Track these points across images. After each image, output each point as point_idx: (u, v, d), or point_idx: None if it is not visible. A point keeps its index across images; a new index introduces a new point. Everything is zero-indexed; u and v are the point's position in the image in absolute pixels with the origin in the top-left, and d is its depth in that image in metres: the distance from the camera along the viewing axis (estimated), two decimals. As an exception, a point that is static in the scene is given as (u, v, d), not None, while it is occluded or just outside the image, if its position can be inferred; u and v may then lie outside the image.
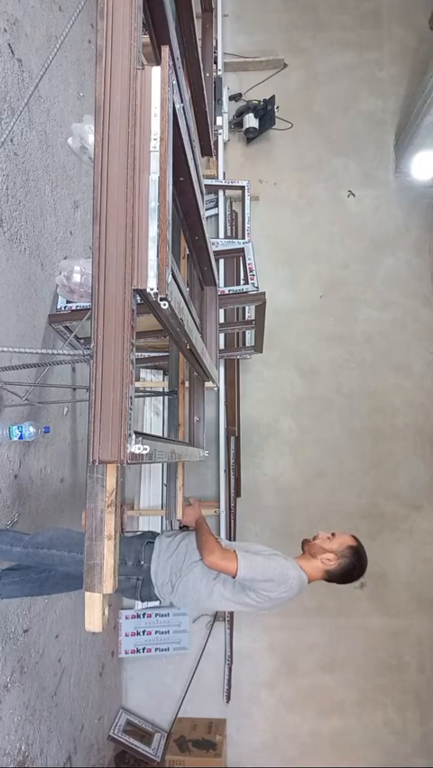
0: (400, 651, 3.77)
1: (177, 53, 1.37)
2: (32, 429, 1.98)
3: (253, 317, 2.90)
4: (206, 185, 3.61)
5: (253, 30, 4.54)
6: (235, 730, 3.74)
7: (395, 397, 4.07)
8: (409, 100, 4.27)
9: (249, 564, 1.76)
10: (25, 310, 2.31)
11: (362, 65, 4.46)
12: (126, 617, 3.71)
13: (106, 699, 3.49)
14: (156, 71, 0.91)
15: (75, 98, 2.89)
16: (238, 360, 3.89)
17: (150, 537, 1.99)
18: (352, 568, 1.93)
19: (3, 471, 2.11)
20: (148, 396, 3.61)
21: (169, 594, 1.87)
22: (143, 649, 3.71)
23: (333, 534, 1.98)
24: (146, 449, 0.90)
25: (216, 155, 4.01)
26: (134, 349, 0.90)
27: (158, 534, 2.04)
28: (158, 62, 0.93)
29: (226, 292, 2.76)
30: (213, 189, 4.03)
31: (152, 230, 0.88)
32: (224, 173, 4.17)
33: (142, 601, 2.42)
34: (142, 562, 1.87)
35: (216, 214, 4.08)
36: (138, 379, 3.64)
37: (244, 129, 4.29)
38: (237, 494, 3.83)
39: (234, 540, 3.76)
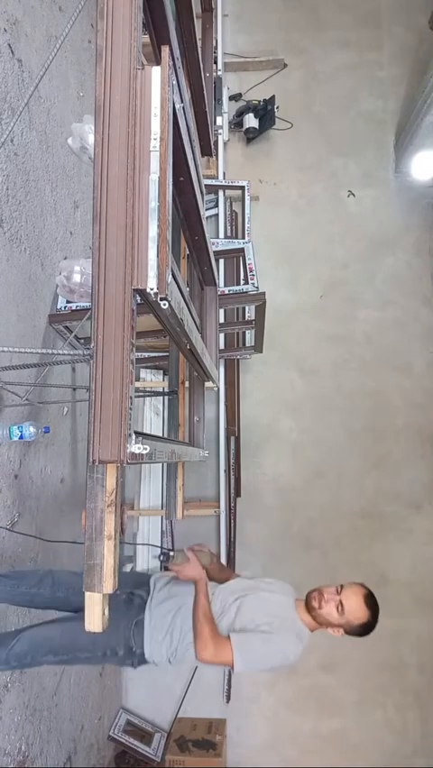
0: (401, 651, 3.77)
1: (177, 53, 1.37)
2: (32, 429, 1.98)
3: (253, 317, 2.90)
4: (206, 185, 3.61)
5: (253, 30, 4.54)
6: (235, 730, 3.74)
7: (395, 397, 4.07)
8: (409, 100, 4.27)
9: (246, 659, 1.64)
10: (25, 310, 2.31)
11: (362, 65, 4.46)
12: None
13: (106, 698, 3.49)
14: (156, 71, 0.91)
15: (75, 98, 2.89)
16: (238, 360, 3.89)
17: (137, 611, 1.78)
18: (360, 635, 1.80)
19: (3, 471, 2.11)
20: (148, 396, 3.61)
21: (170, 665, 1.79)
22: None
23: (340, 588, 1.78)
24: (146, 449, 0.90)
25: (216, 155, 4.01)
26: (134, 349, 0.90)
27: (145, 598, 1.83)
28: (158, 62, 0.93)
29: (226, 292, 2.76)
30: (213, 189, 4.03)
31: (152, 230, 0.88)
32: (224, 173, 4.17)
33: None
34: (134, 649, 1.74)
35: (216, 214, 4.08)
36: (138, 379, 3.64)
37: (244, 129, 4.29)
38: (237, 494, 3.83)
39: (234, 539, 3.76)
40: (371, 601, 1.77)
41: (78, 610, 1.72)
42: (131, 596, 1.86)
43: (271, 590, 1.86)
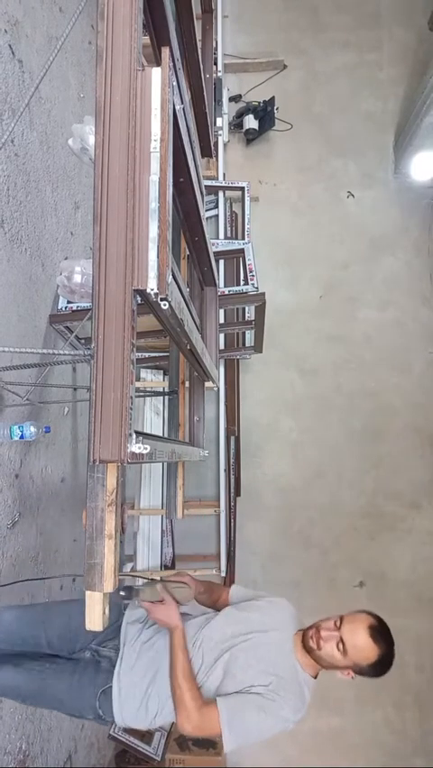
0: (400, 650, 3.73)
1: (177, 54, 1.37)
2: (32, 429, 1.99)
3: (253, 317, 2.90)
4: (206, 186, 3.61)
5: (252, 31, 4.54)
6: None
7: (395, 397, 4.07)
8: (408, 101, 4.28)
9: (238, 733, 1.34)
10: (26, 310, 2.32)
11: (361, 66, 4.46)
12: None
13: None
14: (156, 72, 0.91)
15: (75, 99, 2.89)
16: (238, 360, 3.90)
17: (104, 677, 1.51)
18: (376, 675, 1.46)
19: (4, 471, 2.12)
20: (148, 396, 3.61)
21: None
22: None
23: (340, 621, 1.44)
24: (146, 448, 0.90)
25: (216, 156, 4.01)
26: (135, 349, 0.90)
27: (114, 659, 1.54)
28: (158, 63, 0.93)
29: (226, 292, 2.77)
30: (213, 190, 4.04)
31: (153, 231, 0.88)
32: (224, 174, 4.18)
33: None
34: (104, 717, 1.50)
35: (216, 215, 4.09)
36: (138, 379, 3.65)
37: (243, 130, 4.30)
38: (237, 494, 3.83)
39: (234, 538, 3.76)
40: (379, 634, 1.42)
41: (70, 654, 1.61)
42: (96, 656, 1.61)
43: (264, 628, 1.51)
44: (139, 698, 1.47)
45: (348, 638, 1.41)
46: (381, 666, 1.43)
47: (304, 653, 1.47)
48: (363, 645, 1.40)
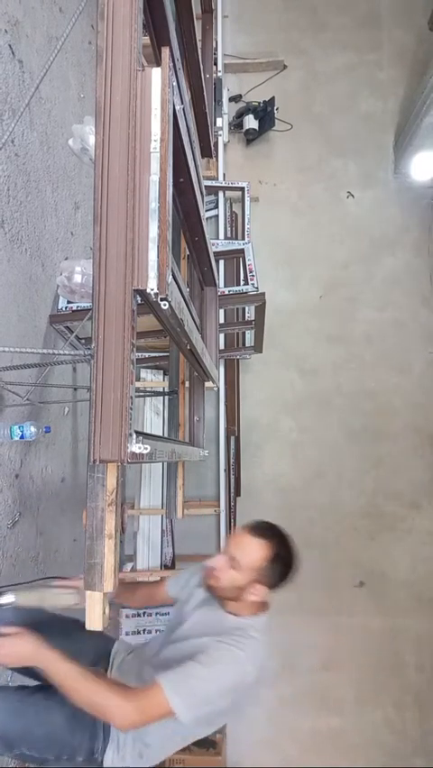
0: (400, 650, 3.77)
1: (177, 54, 1.37)
2: (32, 429, 1.99)
3: (253, 317, 2.90)
4: (206, 186, 3.62)
5: (252, 31, 4.55)
6: (235, 729, 3.74)
7: (395, 397, 4.07)
8: (408, 101, 4.28)
9: (188, 698, 1.19)
10: (26, 310, 2.32)
11: (361, 66, 4.46)
12: (127, 616, 3.71)
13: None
14: (156, 73, 0.92)
15: (76, 99, 2.89)
16: (238, 360, 3.90)
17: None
18: (284, 574, 1.40)
19: (4, 471, 2.12)
20: (148, 396, 3.61)
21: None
22: (144, 649, 3.71)
23: (231, 558, 1.37)
24: (146, 448, 0.90)
25: (216, 156, 4.01)
26: (135, 349, 0.91)
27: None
28: (158, 63, 0.93)
29: (226, 292, 2.77)
30: (213, 190, 4.04)
31: (153, 231, 0.88)
32: (224, 174, 4.18)
33: None
34: (96, 755, 1.35)
35: (216, 215, 4.09)
36: (138, 378, 3.65)
37: (243, 130, 4.30)
38: (237, 494, 3.83)
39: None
40: (262, 529, 1.41)
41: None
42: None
43: (191, 614, 1.46)
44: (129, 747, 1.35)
45: (234, 550, 1.37)
46: (282, 563, 1.37)
47: (224, 602, 1.42)
48: (250, 546, 1.36)
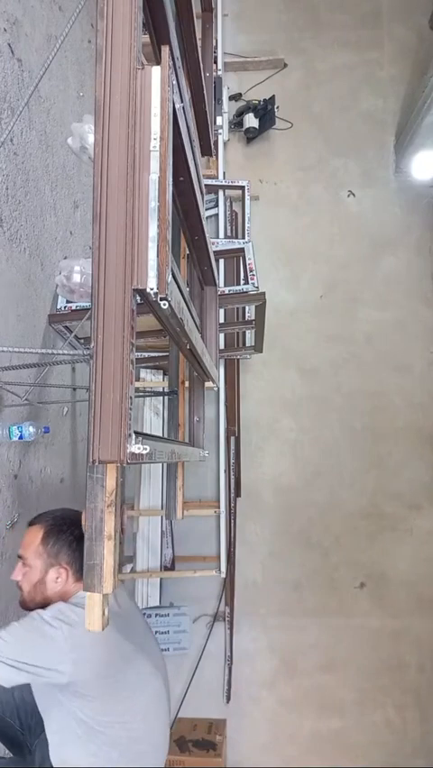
0: (401, 651, 3.77)
1: (177, 53, 1.37)
2: (31, 429, 1.98)
3: (253, 317, 2.90)
4: (206, 185, 3.61)
5: (252, 29, 4.54)
6: (235, 730, 3.74)
7: (395, 397, 4.07)
8: (409, 100, 4.27)
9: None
10: (25, 310, 2.31)
11: (362, 65, 4.45)
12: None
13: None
14: (156, 71, 0.91)
15: (75, 98, 2.89)
16: (238, 360, 3.89)
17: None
18: (69, 542, 1.44)
19: (2, 471, 2.11)
20: (148, 396, 3.61)
21: None
22: (143, 649, 3.70)
23: (20, 557, 1.44)
24: (146, 449, 0.90)
25: (216, 155, 4.00)
26: (134, 349, 0.90)
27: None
28: (158, 62, 0.92)
29: (226, 292, 2.76)
30: (213, 189, 4.03)
31: (152, 230, 0.88)
32: (224, 173, 4.17)
33: None
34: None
35: (216, 214, 4.08)
36: (138, 379, 3.64)
37: (244, 129, 4.29)
38: (237, 494, 3.83)
39: (234, 539, 3.76)
40: (31, 521, 1.50)
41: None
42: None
43: None
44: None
45: (20, 551, 1.44)
46: (57, 531, 1.41)
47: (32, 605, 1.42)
48: (26, 538, 1.43)
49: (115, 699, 1.33)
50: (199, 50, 1.83)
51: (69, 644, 1.25)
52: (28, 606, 1.42)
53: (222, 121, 4.02)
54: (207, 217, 3.30)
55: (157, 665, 1.51)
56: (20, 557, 1.41)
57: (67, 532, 1.43)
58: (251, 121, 4.24)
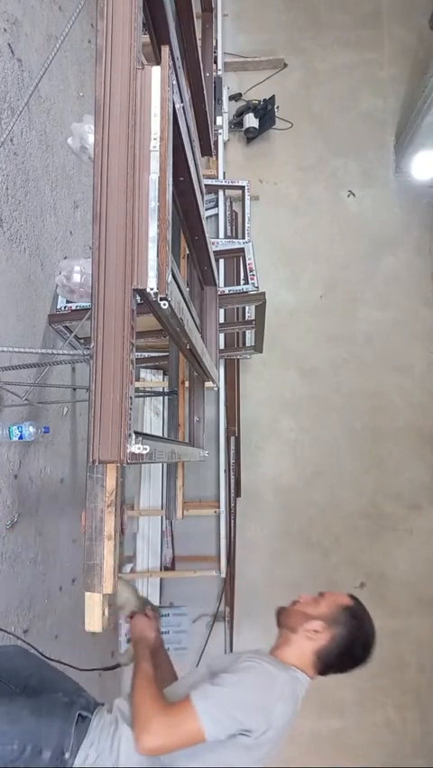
0: (401, 651, 3.77)
1: (177, 53, 1.37)
2: (31, 429, 1.98)
3: (253, 317, 2.89)
4: (206, 185, 3.60)
5: (252, 29, 4.54)
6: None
7: (395, 397, 4.07)
8: (409, 100, 4.27)
9: (216, 709, 1.12)
10: (25, 310, 2.31)
11: (362, 65, 4.46)
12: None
13: (106, 699, 3.49)
14: (156, 71, 0.91)
15: (75, 98, 2.88)
16: (238, 360, 3.89)
17: (81, 707, 1.31)
18: (352, 640, 1.38)
19: (2, 472, 2.11)
20: (148, 396, 3.61)
21: None
22: (143, 649, 3.70)
23: (320, 595, 1.43)
24: (146, 449, 0.90)
25: (216, 155, 4.00)
26: (134, 349, 0.90)
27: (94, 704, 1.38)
28: (158, 62, 0.92)
29: (227, 292, 2.76)
30: (213, 189, 4.03)
31: (152, 230, 0.88)
32: (224, 173, 4.17)
33: None
34: (66, 755, 1.19)
35: (216, 214, 4.08)
36: (138, 379, 3.64)
37: (244, 129, 4.29)
38: (237, 494, 3.83)
39: (234, 539, 3.76)
40: (356, 600, 1.44)
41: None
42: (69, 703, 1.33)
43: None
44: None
45: (326, 594, 1.43)
46: (354, 615, 1.37)
47: (280, 649, 1.43)
48: (339, 596, 1.41)
49: None
50: (199, 50, 1.83)
51: (286, 692, 1.31)
52: (281, 617, 1.46)
53: (222, 121, 4.02)
54: (207, 217, 3.30)
55: None
56: (320, 594, 1.43)
57: (356, 630, 1.41)
58: (251, 121, 4.24)
